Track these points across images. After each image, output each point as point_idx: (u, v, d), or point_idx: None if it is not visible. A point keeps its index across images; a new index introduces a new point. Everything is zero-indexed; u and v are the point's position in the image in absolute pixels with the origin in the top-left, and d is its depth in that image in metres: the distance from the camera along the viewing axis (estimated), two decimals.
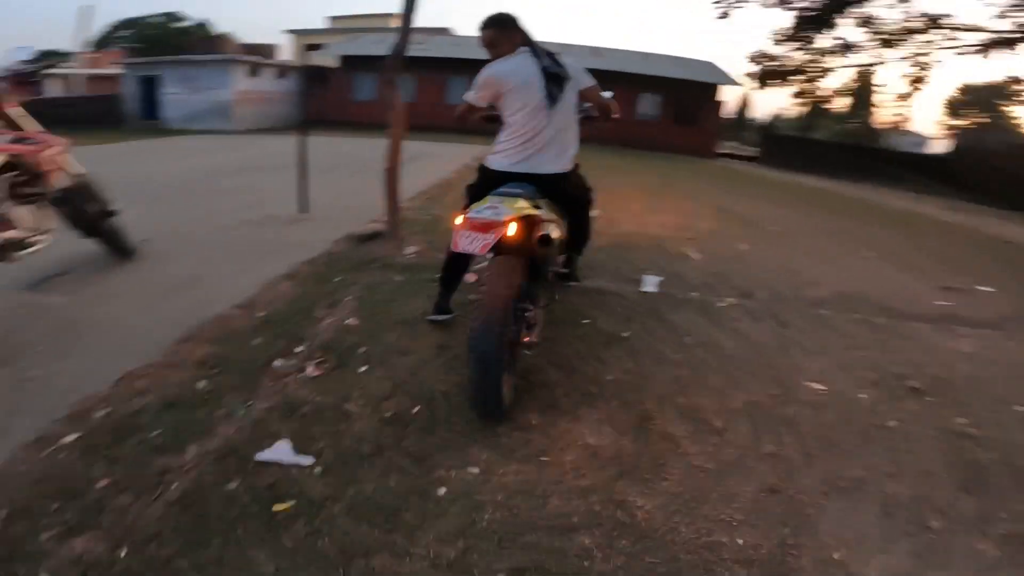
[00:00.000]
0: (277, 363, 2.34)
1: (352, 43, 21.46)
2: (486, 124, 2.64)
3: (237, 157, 9.65)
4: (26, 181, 2.75)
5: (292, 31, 29.43)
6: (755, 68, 16.86)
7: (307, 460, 1.73)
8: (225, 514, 1.49)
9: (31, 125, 2.91)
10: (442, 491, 1.64)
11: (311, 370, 2.31)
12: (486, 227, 1.74)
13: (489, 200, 2.00)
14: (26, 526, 1.40)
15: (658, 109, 20.72)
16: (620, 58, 20.75)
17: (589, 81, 2.48)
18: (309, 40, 26.37)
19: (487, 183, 2.40)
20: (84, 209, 3.19)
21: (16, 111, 2.85)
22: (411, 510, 1.56)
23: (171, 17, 29.90)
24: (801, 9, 13.88)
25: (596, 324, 2.98)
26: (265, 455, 1.74)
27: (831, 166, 17.86)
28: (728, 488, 1.71)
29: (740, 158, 21.68)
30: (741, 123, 36.33)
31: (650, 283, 3.83)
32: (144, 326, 2.61)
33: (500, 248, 1.94)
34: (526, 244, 1.95)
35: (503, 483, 1.68)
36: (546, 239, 2.01)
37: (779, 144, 21.38)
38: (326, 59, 21.56)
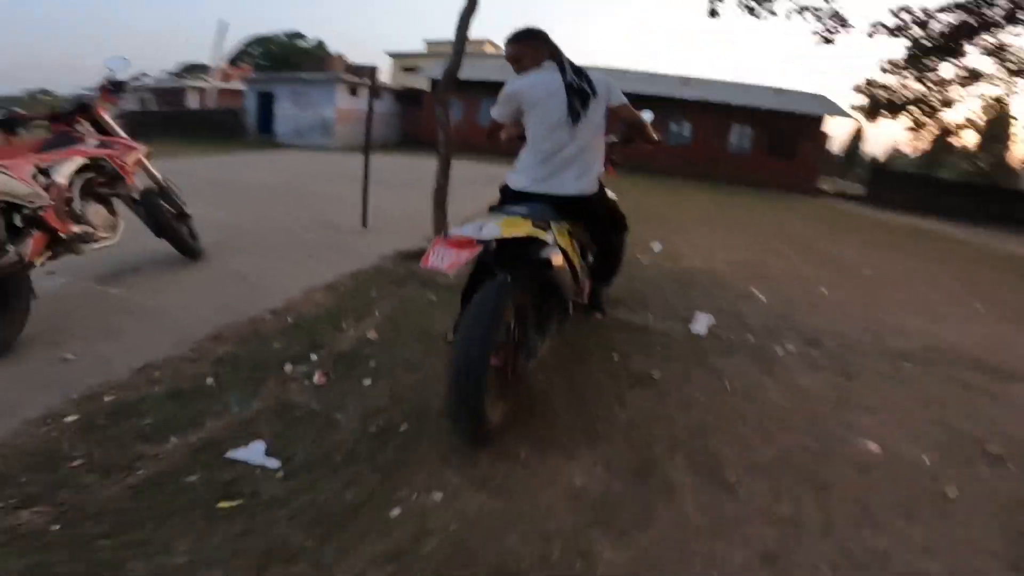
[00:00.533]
0: (288, 367, 2.38)
1: (442, 67, 22.44)
2: (519, 142, 2.59)
3: (327, 171, 10.29)
4: (104, 182, 3.04)
5: (392, 54, 30.36)
6: (863, 99, 15.64)
7: (274, 463, 1.72)
8: (172, 503, 1.51)
9: (118, 131, 3.23)
10: (396, 511, 1.56)
11: (317, 378, 2.32)
12: (461, 244, 1.65)
13: (487, 217, 1.93)
14: None
15: (750, 141, 19.81)
16: (710, 87, 20.13)
17: (620, 99, 2.35)
18: (407, 63, 27.71)
19: (507, 203, 2.34)
20: (159, 211, 3.48)
21: (106, 117, 3.17)
22: (356, 526, 1.49)
23: (294, 36, 32.95)
24: (918, 39, 12.79)
25: (626, 361, 2.79)
26: (236, 453, 1.75)
27: (951, 208, 16.14)
28: (716, 551, 1.48)
29: (845, 196, 20.11)
30: (851, 159, 33.72)
31: (701, 323, 3.55)
32: (183, 321, 2.76)
33: (498, 264, 1.86)
34: (518, 265, 1.85)
35: (462, 513, 1.57)
36: (544, 262, 1.90)
37: (891, 182, 19.57)
38: (420, 81, 22.58)
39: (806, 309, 4.13)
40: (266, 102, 19.94)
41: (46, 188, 2.63)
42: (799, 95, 20.67)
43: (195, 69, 27.86)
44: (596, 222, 2.49)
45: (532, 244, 1.92)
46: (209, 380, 2.22)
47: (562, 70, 2.23)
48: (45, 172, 2.69)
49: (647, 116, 2.98)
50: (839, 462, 2.03)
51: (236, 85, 24.04)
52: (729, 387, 2.64)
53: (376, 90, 21.42)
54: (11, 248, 2.38)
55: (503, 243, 1.91)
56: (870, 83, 15.28)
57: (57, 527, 1.36)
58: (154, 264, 3.62)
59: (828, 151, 22.10)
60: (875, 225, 11.96)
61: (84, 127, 3.08)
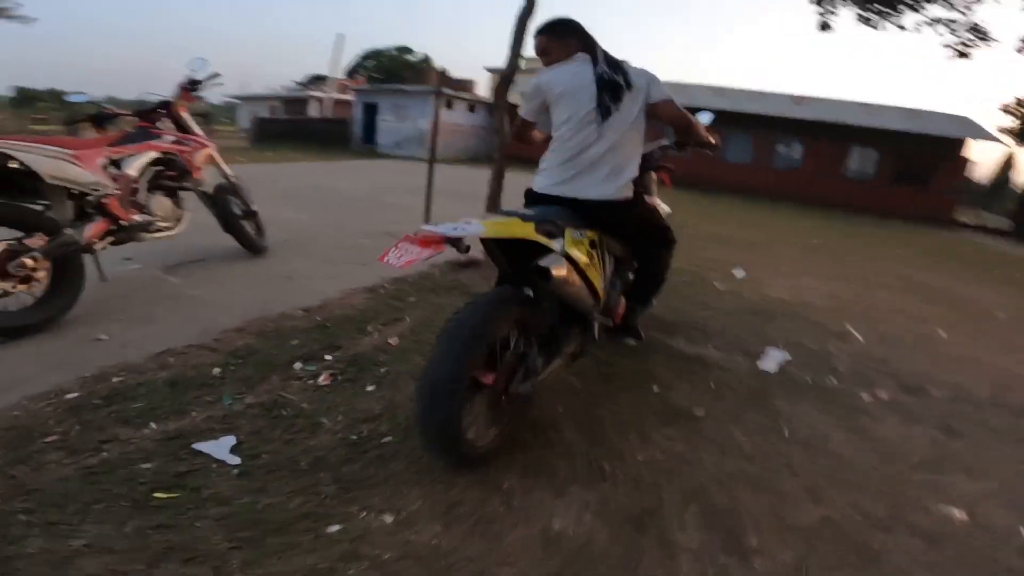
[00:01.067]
0: (297, 365, 2.33)
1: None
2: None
3: (410, 182, 10.60)
4: (173, 176, 3.24)
5: (490, 68, 30.43)
6: (1014, 120, 13.61)
7: (234, 460, 1.65)
8: (112, 488, 1.47)
9: (195, 129, 3.44)
10: (335, 528, 1.41)
11: (323, 378, 2.25)
12: (427, 242, 1.47)
13: (484, 216, 1.76)
14: None
15: (874, 166, 17.95)
16: (826, 107, 18.45)
17: (662, 93, 2.06)
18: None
19: (531, 207, 2.15)
20: (227, 207, 3.66)
21: (185, 115, 3.40)
22: (285, 536, 1.36)
23: (403, 50, 35.07)
24: None
25: (667, 394, 2.46)
26: (202, 445, 1.69)
27: None
28: None
29: (987, 230, 17.57)
30: (998, 188, 29.43)
31: (772, 359, 3.10)
32: (219, 312, 2.83)
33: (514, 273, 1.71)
34: (508, 270, 1.67)
35: (407, 541, 1.38)
36: (541, 272, 1.69)
37: None
38: (516, 96, 22.87)
39: (913, 353, 3.50)
40: (371, 113, 21.06)
41: (114, 178, 2.83)
42: (936, 116, 18.46)
43: (318, 80, 30.34)
44: (630, 233, 2.23)
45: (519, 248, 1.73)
46: (216, 370, 2.21)
47: (594, 62, 2.02)
48: (117, 164, 2.90)
49: (705, 118, 2.67)
50: (903, 531, 1.61)
51: (348, 96, 25.58)
52: (787, 433, 2.24)
53: (472, 104, 21.96)
54: (68, 231, 2.55)
55: (514, 251, 1.73)
56: (1021, 103, 13.24)
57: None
58: (218, 257, 3.80)
59: (969, 179, 19.47)
60: (1019, 263, 10.27)
61: (165, 124, 3.31)
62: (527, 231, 1.66)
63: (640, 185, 2.66)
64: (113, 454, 1.61)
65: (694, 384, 2.62)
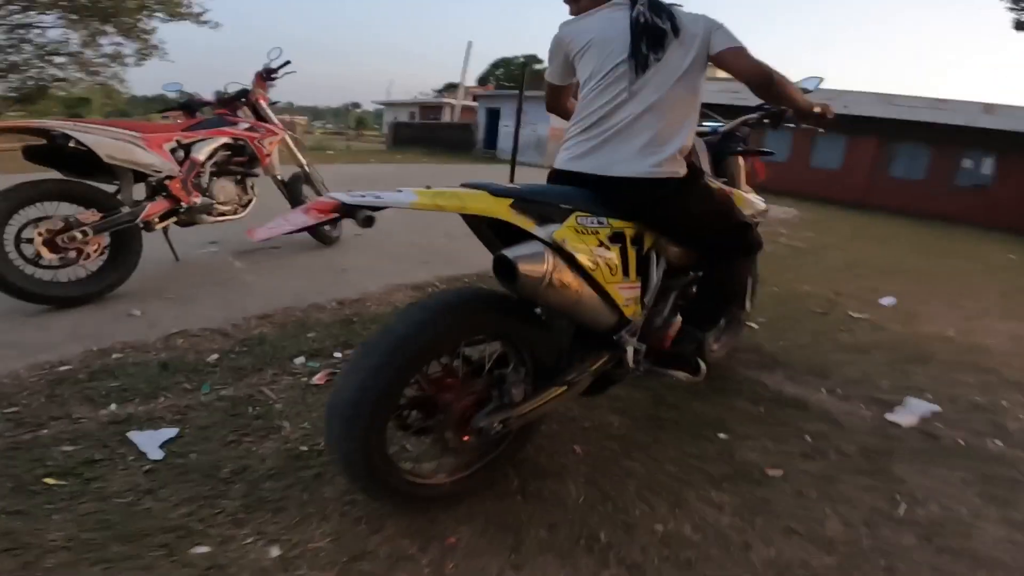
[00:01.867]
0: (298, 360, 2.17)
1: None
2: None
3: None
4: (242, 162, 3.33)
5: None
6: None
7: (156, 455, 1.50)
8: (14, 468, 1.40)
9: (271, 117, 3.53)
10: (199, 550, 1.19)
11: (318, 377, 2.05)
12: (321, 208, 1.11)
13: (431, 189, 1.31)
14: None
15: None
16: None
17: (728, 40, 1.52)
18: None
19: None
20: (299, 195, 3.72)
21: (263, 104, 3.50)
22: (131, 547, 1.18)
23: (530, 59, 35.82)
24: None
25: (735, 447, 1.90)
26: (135, 435, 1.57)
27: None
28: None
29: None
30: None
31: (910, 411, 2.34)
32: (260, 298, 2.79)
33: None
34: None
35: None
36: (503, 264, 1.27)
37: None
38: None
39: None
40: (493, 119, 21.29)
41: (180, 162, 2.94)
42: None
43: (452, 88, 32.22)
44: (684, 228, 1.67)
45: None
46: (214, 357, 2.12)
47: (631, 4, 1.57)
48: (187, 148, 3.01)
49: (810, 84, 2.05)
50: None
51: (474, 103, 26.53)
52: (902, 511, 1.60)
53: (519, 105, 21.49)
54: (124, 208, 2.67)
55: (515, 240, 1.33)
56: None
57: None
58: (291, 245, 3.87)
59: None
60: None
61: (244, 112, 3.44)
62: (495, 207, 1.27)
63: (722, 173, 2.13)
64: (48, 432, 1.53)
65: (780, 436, 2.01)
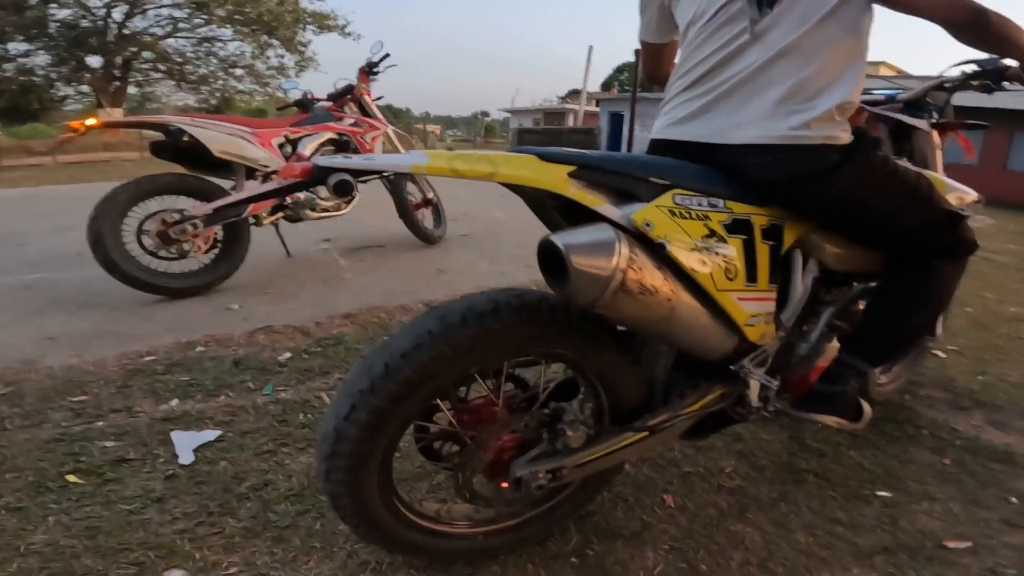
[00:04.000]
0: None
1: None
2: None
3: None
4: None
5: None
6: None
7: (187, 459, 1.45)
8: (46, 462, 1.42)
9: (375, 113, 3.57)
10: (173, 573, 1.06)
11: None
12: (290, 173, 0.92)
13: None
14: None
15: None
16: None
17: None
18: None
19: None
20: (402, 194, 3.71)
21: (368, 100, 3.55)
22: (99, 562, 1.09)
23: None
24: None
25: (903, 510, 1.44)
26: (178, 434, 1.54)
27: None
28: None
29: None
30: None
31: None
32: (352, 296, 2.78)
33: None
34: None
35: None
36: (549, 254, 0.93)
37: None
38: None
39: None
40: (616, 123, 20.85)
41: (287, 157, 3.05)
42: None
43: (576, 94, 32.27)
44: (848, 218, 1.20)
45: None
46: (286, 355, 2.09)
47: None
48: (294, 143, 3.12)
49: None
50: None
51: (596, 108, 26.11)
52: None
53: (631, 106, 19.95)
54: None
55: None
56: None
57: None
58: (396, 244, 3.88)
59: None
60: None
61: (350, 108, 3.51)
62: (543, 175, 0.93)
63: (905, 154, 1.60)
64: (101, 425, 1.56)
65: (973, 498, 1.51)
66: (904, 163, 1.35)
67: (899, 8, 1.04)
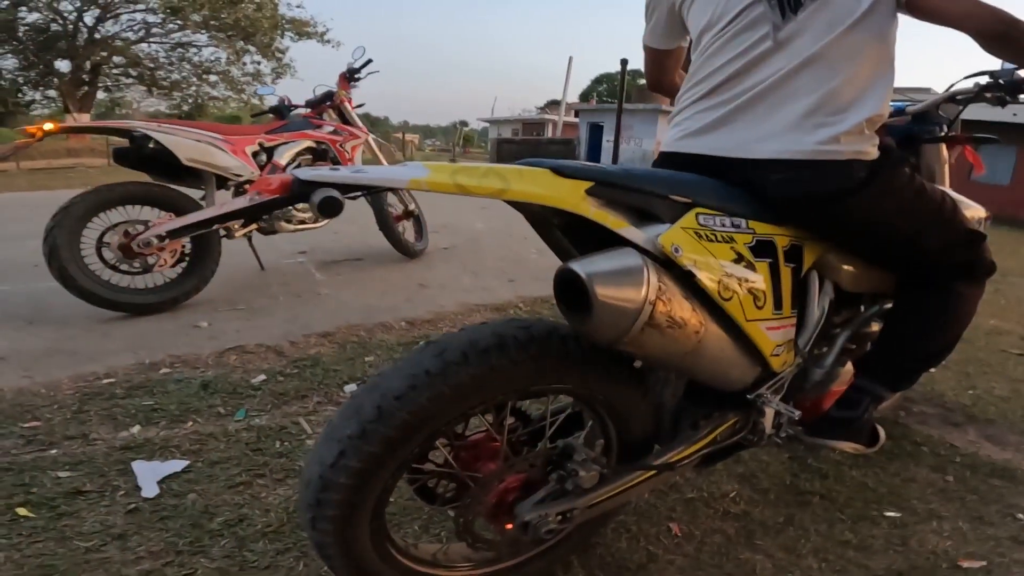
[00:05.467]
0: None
1: None
2: None
3: None
4: (324, 167, 3.27)
5: None
6: None
7: (151, 492, 1.32)
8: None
9: (355, 120, 3.46)
10: None
11: None
12: (266, 188, 0.79)
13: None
14: None
15: None
16: None
17: None
18: None
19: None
20: (382, 206, 3.59)
21: (348, 107, 3.45)
22: None
23: (635, 74, 35.20)
24: None
25: (908, 528, 1.42)
26: (139, 465, 1.42)
27: None
28: None
29: None
30: None
31: None
32: (327, 313, 2.66)
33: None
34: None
35: None
36: (567, 284, 0.85)
37: None
38: None
39: None
40: (596, 133, 20.99)
41: (262, 166, 2.92)
42: None
43: (554, 104, 32.79)
44: (872, 238, 1.14)
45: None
46: (260, 378, 1.96)
47: None
48: (269, 151, 3.00)
49: None
50: None
51: (575, 118, 26.25)
52: None
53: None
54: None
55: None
56: None
57: None
58: (374, 257, 3.77)
59: None
60: None
61: (330, 115, 3.40)
62: (560, 193, 0.85)
63: (907, 163, 1.55)
64: (55, 453, 1.43)
65: (979, 515, 1.50)
66: (925, 184, 1.31)
67: (927, 18, 1.00)
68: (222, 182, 2.79)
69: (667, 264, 0.89)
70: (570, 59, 25.53)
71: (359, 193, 0.79)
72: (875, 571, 1.26)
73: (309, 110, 3.37)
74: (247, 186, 2.82)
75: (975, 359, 2.71)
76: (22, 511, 1.22)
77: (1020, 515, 1.51)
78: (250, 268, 3.25)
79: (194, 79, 24.31)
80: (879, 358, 1.28)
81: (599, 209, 0.87)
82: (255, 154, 2.91)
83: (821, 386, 1.25)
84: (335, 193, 0.79)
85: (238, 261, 3.15)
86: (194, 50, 23.45)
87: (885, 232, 1.12)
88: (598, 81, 41.19)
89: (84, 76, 22.03)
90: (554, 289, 0.88)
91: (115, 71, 23.47)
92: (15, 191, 7.93)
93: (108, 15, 21.26)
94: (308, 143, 3.13)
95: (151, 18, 21.86)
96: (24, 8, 19.35)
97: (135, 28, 22.13)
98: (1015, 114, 13.49)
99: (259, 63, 23.62)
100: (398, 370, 0.85)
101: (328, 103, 3.38)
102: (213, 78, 24.25)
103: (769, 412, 1.12)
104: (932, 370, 2.45)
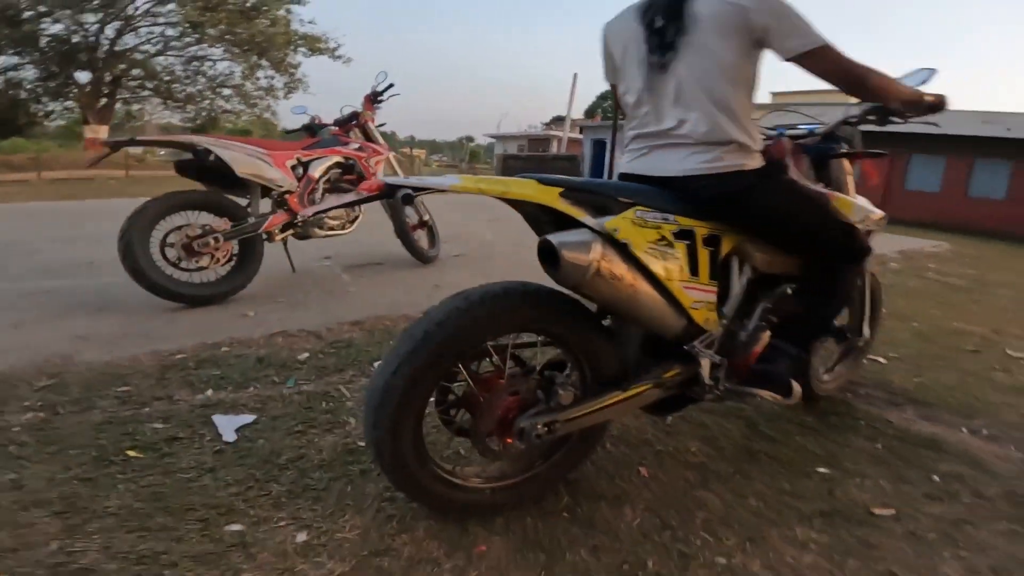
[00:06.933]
0: (377, 363, 2.28)
1: (782, 117, 19.74)
2: None
3: None
4: (351, 179, 3.64)
5: None
6: None
7: (230, 437, 1.66)
8: (102, 440, 1.61)
9: (377, 138, 3.84)
10: (233, 527, 1.28)
11: None
12: (369, 188, 1.19)
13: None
14: None
15: None
16: None
17: (801, 40, 1.33)
18: None
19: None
20: (400, 215, 3.96)
21: (371, 126, 3.82)
22: (171, 519, 1.30)
23: None
24: None
25: (840, 484, 1.70)
26: (218, 418, 1.75)
27: None
28: None
29: None
30: None
31: None
32: (356, 307, 3.01)
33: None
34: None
35: (293, 569, 1.14)
36: (546, 250, 1.23)
37: None
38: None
39: None
40: (600, 150, 21.26)
41: (299, 178, 3.29)
42: None
43: (560, 120, 33.08)
44: (765, 228, 1.53)
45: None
46: (304, 355, 2.31)
47: None
48: (305, 165, 3.37)
49: (916, 78, 1.77)
50: None
51: (580, 135, 26.66)
52: None
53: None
54: (251, 219, 3.03)
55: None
56: None
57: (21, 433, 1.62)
58: (393, 262, 4.12)
59: None
60: None
61: (355, 133, 3.78)
62: (542, 194, 1.24)
63: (826, 180, 1.91)
64: (147, 411, 1.76)
65: (900, 476, 1.77)
66: (807, 183, 1.68)
67: (809, 71, 1.37)
68: (265, 191, 3.16)
69: (612, 241, 1.27)
70: (575, 76, 26.03)
71: (418, 193, 1.18)
72: (804, 512, 1.54)
73: (337, 128, 3.73)
74: (287, 196, 3.19)
75: (931, 354, 3.00)
76: (132, 452, 1.55)
77: (936, 477, 1.78)
78: (283, 269, 3.60)
79: (208, 92, 24.87)
80: (789, 324, 1.65)
81: (567, 205, 1.27)
82: (293, 167, 3.28)
83: (747, 346, 1.60)
84: (411, 191, 1.16)
85: (272, 263, 3.51)
86: (209, 63, 24.02)
87: (774, 223, 1.51)
88: (603, 97, 41.73)
89: (103, 88, 22.57)
90: (537, 253, 1.26)
91: (132, 83, 24.05)
92: (44, 200, 8.38)
93: (128, 28, 21.82)
94: (338, 158, 3.50)
95: (169, 31, 22.50)
96: (48, 19, 19.87)
97: (153, 41, 22.71)
98: (1009, 128, 13.73)
99: (272, 78, 24.15)
100: (437, 309, 1.23)
101: (354, 122, 3.76)
102: (227, 91, 24.81)
103: (705, 363, 1.49)
104: (884, 361, 2.79)
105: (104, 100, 22.57)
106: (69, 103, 24.12)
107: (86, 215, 6.32)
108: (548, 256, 1.23)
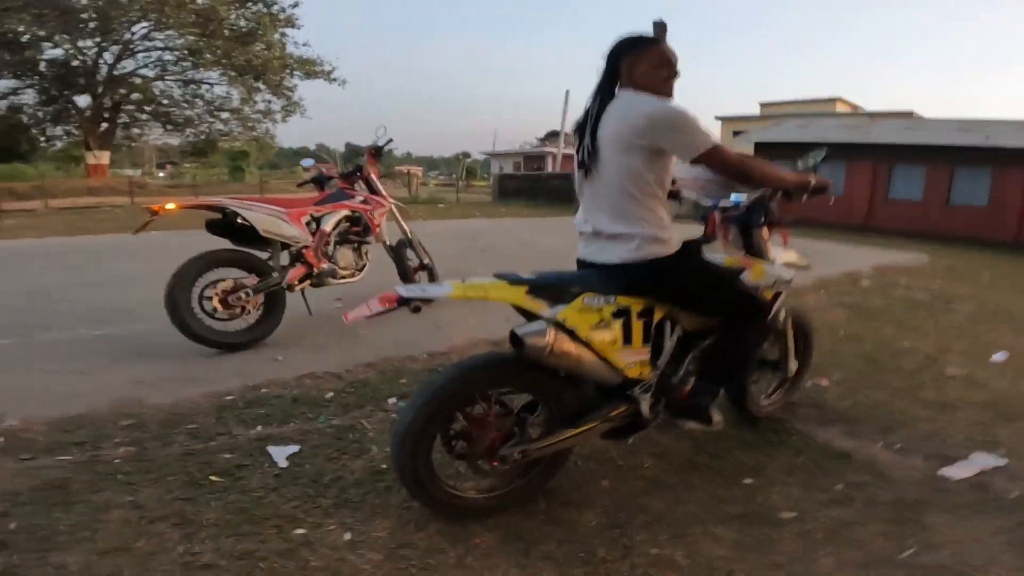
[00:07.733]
0: (391, 400, 2.81)
1: (768, 129, 20.05)
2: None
3: None
4: (358, 231, 4.18)
5: (721, 117, 29.72)
6: None
7: (283, 464, 2.17)
8: (189, 467, 2.12)
9: (380, 190, 4.38)
10: (298, 531, 1.77)
11: None
12: (385, 300, 1.69)
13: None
14: None
15: None
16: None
17: (692, 145, 1.74)
18: (736, 126, 26.10)
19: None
20: (403, 260, 4.50)
21: (374, 178, 4.37)
22: (254, 527, 1.77)
23: None
24: None
25: (759, 492, 2.19)
26: (272, 448, 2.26)
27: None
28: None
29: None
30: None
31: (971, 465, 2.42)
32: (370, 348, 3.55)
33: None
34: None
35: (342, 559, 1.65)
36: (515, 339, 1.71)
37: None
38: (742, 145, 21.21)
39: None
40: None
41: (313, 233, 3.83)
42: None
43: (554, 136, 33.60)
44: (683, 300, 2.02)
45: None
46: (330, 394, 2.83)
47: (597, 95, 1.88)
48: (318, 220, 3.91)
49: (811, 160, 2.32)
50: None
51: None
52: (907, 554, 1.81)
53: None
54: (275, 273, 3.56)
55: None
56: None
57: (123, 465, 2.12)
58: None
59: None
60: None
61: (360, 185, 4.32)
62: (512, 295, 1.76)
63: (751, 245, 2.44)
64: (215, 443, 2.28)
65: (813, 484, 2.25)
66: (726, 257, 2.23)
67: (710, 168, 1.83)
68: (285, 246, 3.69)
69: (562, 327, 1.77)
70: (567, 92, 26.56)
71: (424, 303, 1.70)
72: (727, 514, 2.01)
73: (343, 182, 4.27)
74: (304, 250, 3.72)
75: (871, 376, 3.49)
76: (214, 477, 2.06)
77: (840, 486, 2.21)
78: (300, 311, 4.12)
79: (206, 116, 25.48)
80: (710, 368, 2.16)
81: (532, 301, 1.77)
82: (307, 223, 3.82)
83: (678, 388, 2.12)
84: (418, 303, 1.67)
85: (291, 305, 4.03)
86: (206, 87, 24.63)
87: (691, 296, 2.01)
88: None
89: (104, 113, 23.16)
90: (509, 338, 1.76)
91: (130, 107, 24.62)
92: (58, 235, 8.87)
93: (127, 53, 22.44)
94: (346, 212, 4.05)
95: (167, 56, 23.16)
96: (48, 43, 20.36)
97: (151, 65, 23.32)
98: (987, 136, 14.19)
99: (269, 101, 24.79)
100: (438, 375, 1.78)
101: (358, 174, 4.30)
102: (225, 115, 25.43)
103: (643, 402, 2.01)
104: (825, 382, 3.30)
105: (105, 125, 23.20)
106: (69, 127, 24.73)
107: (104, 254, 6.78)
108: (516, 341, 1.73)
